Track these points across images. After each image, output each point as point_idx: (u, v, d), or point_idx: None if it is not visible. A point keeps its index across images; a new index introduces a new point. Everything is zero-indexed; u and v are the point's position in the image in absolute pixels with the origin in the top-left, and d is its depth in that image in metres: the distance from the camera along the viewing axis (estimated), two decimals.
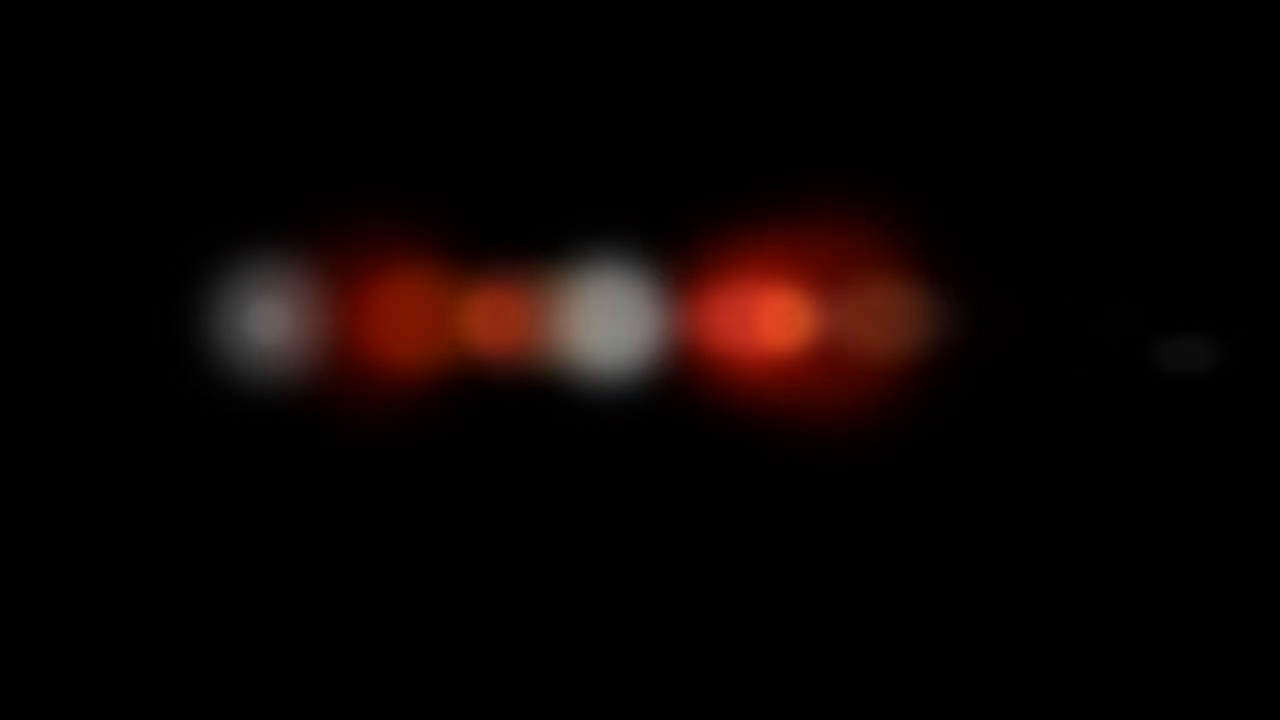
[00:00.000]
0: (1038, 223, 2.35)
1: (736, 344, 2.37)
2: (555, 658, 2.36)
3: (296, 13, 2.30)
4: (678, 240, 2.35)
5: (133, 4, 2.25)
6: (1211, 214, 2.36)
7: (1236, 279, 2.34)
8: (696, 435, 2.37)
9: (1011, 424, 2.36)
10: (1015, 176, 2.35)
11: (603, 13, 2.32)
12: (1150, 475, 2.37)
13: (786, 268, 2.35)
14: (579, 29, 2.34)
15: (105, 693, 2.27)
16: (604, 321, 2.36)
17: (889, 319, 2.36)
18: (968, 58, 2.36)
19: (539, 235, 2.35)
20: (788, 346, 2.37)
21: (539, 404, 2.35)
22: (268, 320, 2.31)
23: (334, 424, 2.32)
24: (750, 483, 2.37)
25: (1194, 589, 2.35)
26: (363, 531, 2.34)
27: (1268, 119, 2.34)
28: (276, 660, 2.32)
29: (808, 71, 2.35)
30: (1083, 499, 2.37)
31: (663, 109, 2.34)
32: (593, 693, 2.35)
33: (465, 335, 2.35)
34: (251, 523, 2.32)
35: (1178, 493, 2.36)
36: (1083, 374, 2.36)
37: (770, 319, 2.37)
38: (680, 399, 2.36)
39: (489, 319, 2.35)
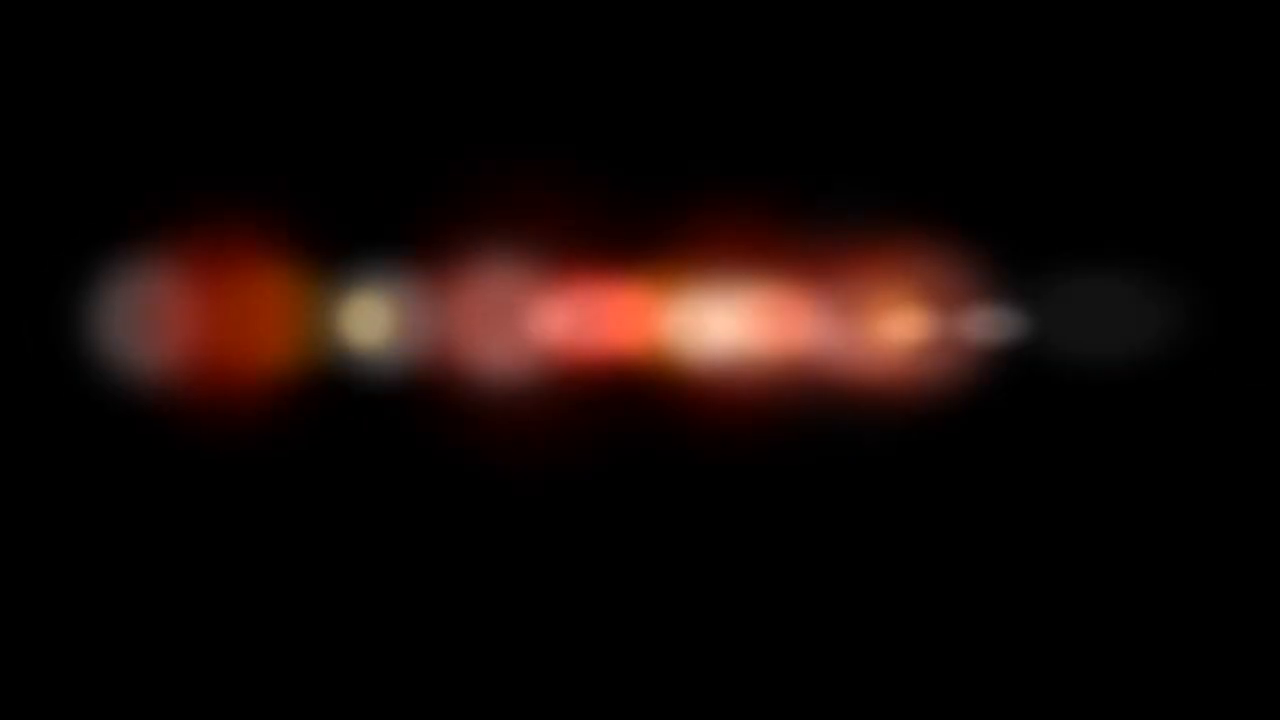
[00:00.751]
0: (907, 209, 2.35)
1: (586, 346, 2.38)
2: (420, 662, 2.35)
3: (165, 11, 2.29)
4: (544, 242, 2.36)
5: None
6: (1211, 213, 2.36)
7: (1237, 278, 2.35)
8: (556, 437, 2.37)
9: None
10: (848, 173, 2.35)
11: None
12: (1150, 475, 2.36)
13: (634, 268, 2.37)
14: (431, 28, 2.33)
15: None
16: (472, 321, 2.37)
17: (736, 320, 2.38)
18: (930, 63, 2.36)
19: (401, 237, 2.35)
20: (633, 347, 2.39)
21: (405, 403, 2.35)
22: (126, 322, 2.31)
23: (192, 426, 2.31)
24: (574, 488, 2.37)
25: (1195, 588, 2.35)
26: (209, 533, 2.32)
27: (1267, 118, 2.34)
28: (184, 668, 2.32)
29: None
30: (1048, 498, 2.37)
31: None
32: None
33: (327, 336, 2.35)
34: (107, 523, 2.30)
35: (1178, 493, 2.36)
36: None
37: (619, 320, 2.39)
38: (536, 400, 2.36)
39: (359, 319, 2.36)
